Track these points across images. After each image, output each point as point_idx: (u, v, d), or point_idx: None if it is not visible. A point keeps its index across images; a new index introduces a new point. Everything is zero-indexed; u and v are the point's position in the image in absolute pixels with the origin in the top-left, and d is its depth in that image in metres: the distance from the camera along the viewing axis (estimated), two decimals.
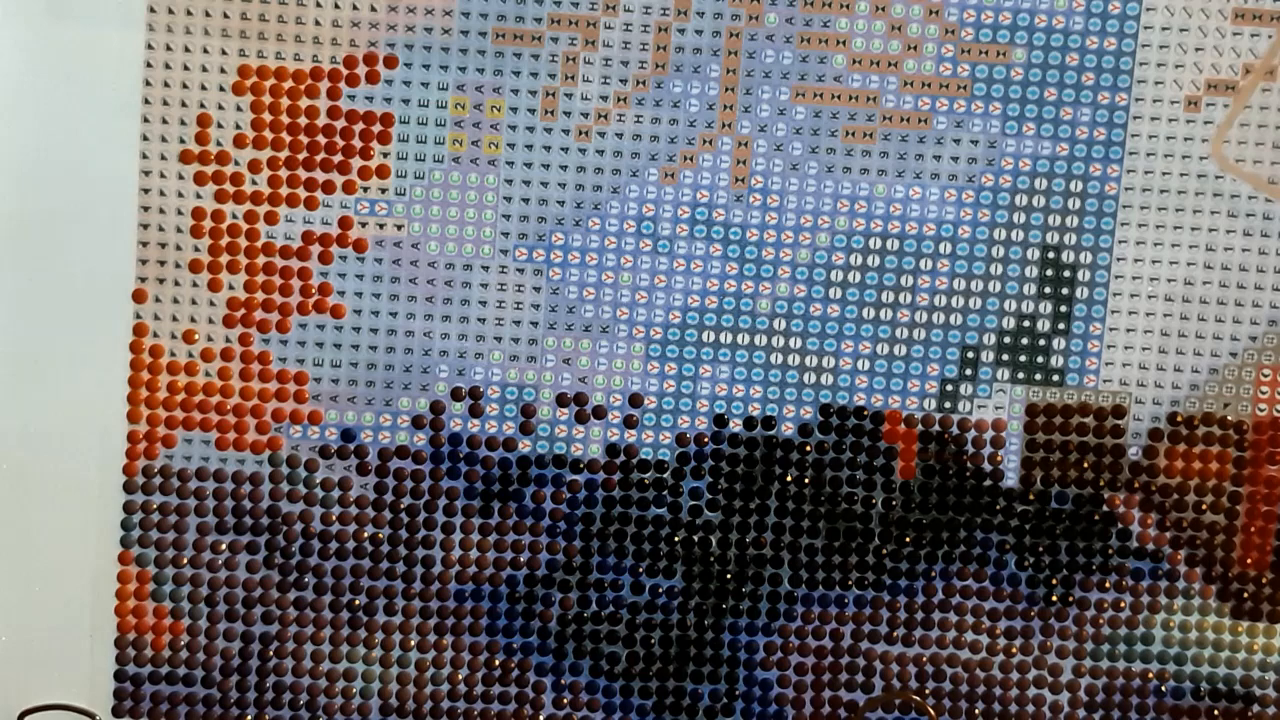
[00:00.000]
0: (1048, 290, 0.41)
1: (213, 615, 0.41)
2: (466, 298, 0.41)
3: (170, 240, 0.41)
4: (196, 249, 0.41)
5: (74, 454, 0.41)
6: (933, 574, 0.42)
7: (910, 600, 0.42)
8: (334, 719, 0.42)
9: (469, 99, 0.40)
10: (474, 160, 0.41)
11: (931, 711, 0.41)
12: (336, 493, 0.41)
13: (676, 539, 0.41)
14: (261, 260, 0.41)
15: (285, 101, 0.40)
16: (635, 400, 0.41)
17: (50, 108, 0.40)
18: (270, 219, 0.41)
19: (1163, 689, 0.42)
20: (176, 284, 0.41)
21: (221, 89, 0.40)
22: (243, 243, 0.41)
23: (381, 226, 0.41)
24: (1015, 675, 0.42)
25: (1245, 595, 0.42)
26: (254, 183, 0.40)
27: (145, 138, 0.40)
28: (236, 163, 0.40)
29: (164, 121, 0.40)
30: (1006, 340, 0.41)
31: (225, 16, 0.40)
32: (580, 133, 0.40)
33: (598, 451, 0.41)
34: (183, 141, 0.40)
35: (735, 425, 0.41)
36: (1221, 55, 0.40)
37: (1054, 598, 0.42)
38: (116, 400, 0.41)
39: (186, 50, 0.40)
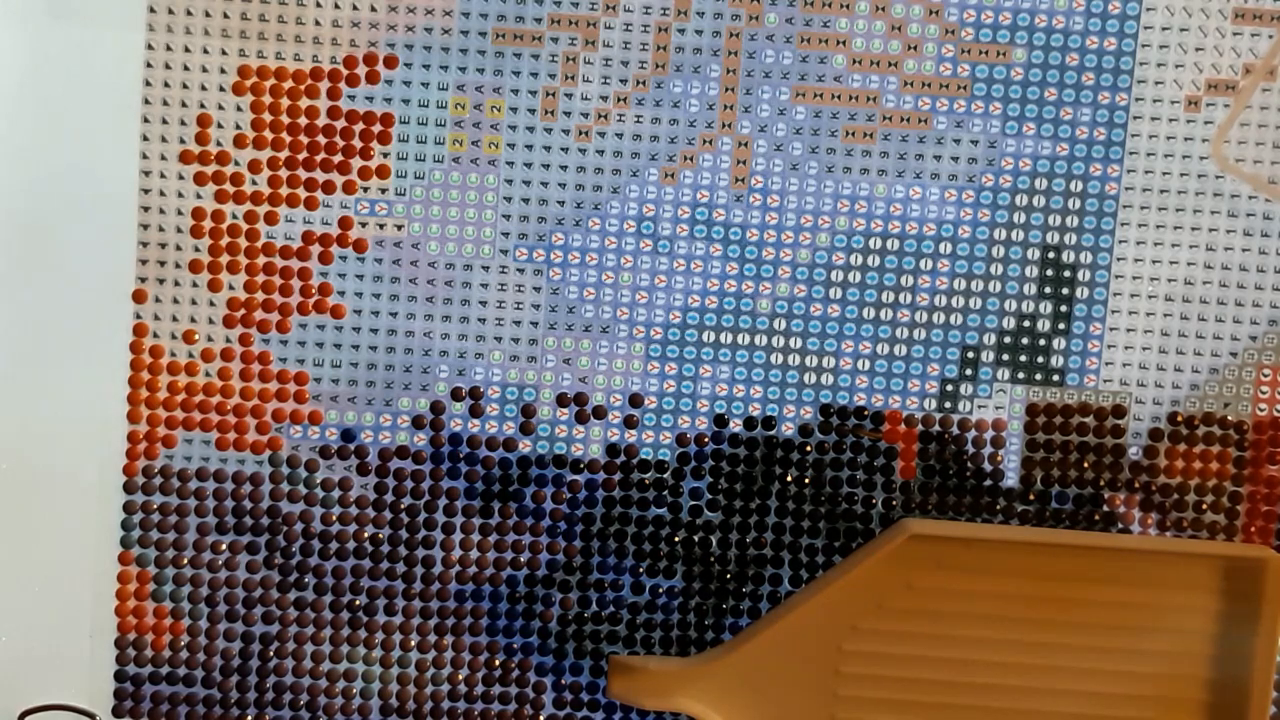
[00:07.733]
0: (1048, 290, 0.41)
1: (213, 615, 0.41)
2: (466, 298, 0.41)
3: (170, 240, 0.41)
4: (196, 249, 0.41)
5: (74, 454, 0.41)
6: None
7: None
8: (334, 719, 0.42)
9: (469, 99, 0.40)
10: (474, 160, 0.41)
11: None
12: (336, 493, 0.41)
13: (676, 539, 0.41)
14: (261, 260, 0.41)
15: (285, 101, 0.40)
16: (635, 400, 0.41)
17: (50, 108, 0.40)
18: (270, 219, 0.41)
19: None
20: (176, 284, 0.41)
21: (221, 89, 0.40)
22: (243, 243, 0.41)
23: (381, 226, 0.41)
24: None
25: None
26: (254, 183, 0.40)
27: (145, 138, 0.40)
28: (236, 163, 0.40)
29: (164, 121, 0.40)
30: (1006, 340, 0.41)
31: (225, 16, 0.40)
32: (580, 133, 0.40)
33: (598, 451, 0.41)
34: (183, 141, 0.40)
35: (735, 425, 0.41)
36: (1221, 55, 0.40)
37: None
38: (116, 400, 0.41)
39: (186, 50, 0.40)
